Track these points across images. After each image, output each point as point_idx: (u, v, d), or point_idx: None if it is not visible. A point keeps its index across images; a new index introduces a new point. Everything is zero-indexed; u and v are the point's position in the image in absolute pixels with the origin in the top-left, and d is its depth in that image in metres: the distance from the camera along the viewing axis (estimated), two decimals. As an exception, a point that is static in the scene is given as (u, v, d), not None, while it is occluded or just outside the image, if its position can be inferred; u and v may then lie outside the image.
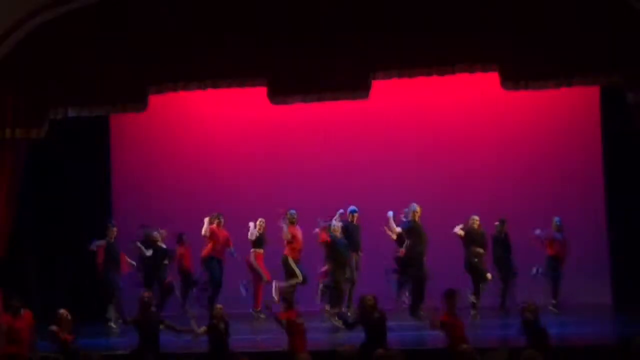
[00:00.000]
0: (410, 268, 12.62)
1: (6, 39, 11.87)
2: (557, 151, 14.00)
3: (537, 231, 13.03)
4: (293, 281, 12.79)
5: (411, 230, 12.57)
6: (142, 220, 14.03)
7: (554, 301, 12.96)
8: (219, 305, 10.56)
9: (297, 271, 12.85)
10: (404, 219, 12.80)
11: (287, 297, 10.59)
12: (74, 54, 11.96)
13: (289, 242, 12.95)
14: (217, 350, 10.00)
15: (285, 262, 12.93)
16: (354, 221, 13.10)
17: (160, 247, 13.52)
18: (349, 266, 12.68)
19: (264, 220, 13.33)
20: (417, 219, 12.53)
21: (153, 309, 10.62)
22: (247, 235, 13.34)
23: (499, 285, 13.04)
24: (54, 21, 11.98)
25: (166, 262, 13.51)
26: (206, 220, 13.36)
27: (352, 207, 13.13)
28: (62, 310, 10.41)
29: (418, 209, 12.55)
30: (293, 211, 13.08)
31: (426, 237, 12.54)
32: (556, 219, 13.14)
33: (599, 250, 13.61)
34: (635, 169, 12.96)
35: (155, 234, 13.56)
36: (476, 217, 12.90)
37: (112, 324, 13.05)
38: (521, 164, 14.05)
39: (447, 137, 14.27)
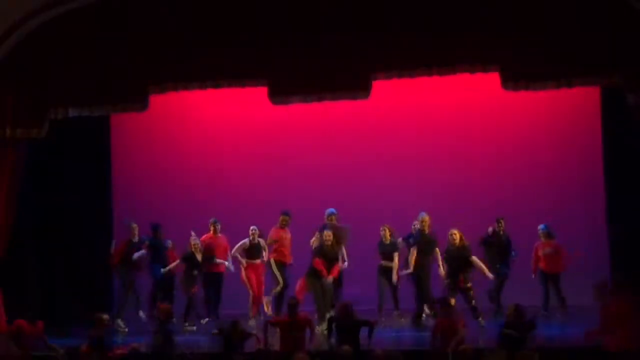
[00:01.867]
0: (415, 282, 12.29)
1: (6, 39, 11.90)
2: (558, 151, 13.99)
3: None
4: (277, 289, 12.66)
5: (416, 244, 12.18)
6: (143, 220, 14.02)
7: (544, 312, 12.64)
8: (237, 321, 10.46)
9: (279, 276, 12.67)
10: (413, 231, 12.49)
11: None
12: (74, 54, 11.98)
13: (272, 245, 12.78)
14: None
15: (269, 266, 12.85)
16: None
17: (195, 257, 12.93)
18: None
19: (256, 228, 12.99)
20: (425, 229, 12.12)
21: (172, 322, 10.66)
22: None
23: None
24: (54, 21, 12.00)
25: (195, 272, 12.91)
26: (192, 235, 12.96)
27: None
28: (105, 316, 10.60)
29: (426, 218, 12.14)
30: (287, 215, 12.85)
31: (432, 246, 12.25)
32: (542, 226, 12.82)
33: (599, 250, 13.60)
34: (635, 169, 12.94)
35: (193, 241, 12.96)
36: (455, 232, 12.04)
37: (120, 323, 12.86)
38: (521, 164, 14.04)
39: (447, 137, 14.26)
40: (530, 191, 13.95)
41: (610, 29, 10.86)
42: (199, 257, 12.85)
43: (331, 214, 12.61)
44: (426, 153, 14.24)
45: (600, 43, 10.90)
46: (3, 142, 12.10)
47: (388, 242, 12.61)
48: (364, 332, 10.10)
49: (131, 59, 11.87)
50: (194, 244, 12.84)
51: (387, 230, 12.60)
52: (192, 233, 12.97)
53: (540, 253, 12.80)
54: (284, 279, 12.69)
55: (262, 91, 11.98)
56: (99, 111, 12.35)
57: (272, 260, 12.78)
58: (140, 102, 12.03)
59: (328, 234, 12.14)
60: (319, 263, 12.05)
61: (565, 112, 13.94)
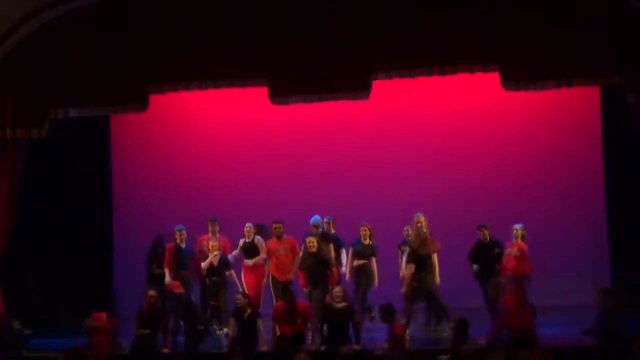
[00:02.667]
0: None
1: (6, 39, 11.90)
2: (558, 151, 13.99)
3: None
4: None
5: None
6: (142, 220, 14.03)
7: None
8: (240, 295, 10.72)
9: (273, 294, 11.85)
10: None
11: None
12: (74, 54, 11.98)
13: (269, 258, 12.01)
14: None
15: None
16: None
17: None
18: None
19: (251, 225, 12.29)
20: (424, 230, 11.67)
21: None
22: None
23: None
24: (54, 21, 12.00)
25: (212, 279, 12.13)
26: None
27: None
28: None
29: (421, 218, 11.77)
30: (279, 224, 12.01)
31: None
32: (519, 226, 12.01)
33: (599, 250, 13.60)
34: (636, 169, 12.94)
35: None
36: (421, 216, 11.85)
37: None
38: (521, 164, 14.03)
39: (447, 137, 14.25)
40: (530, 191, 13.94)
41: (610, 29, 10.87)
42: (214, 260, 12.02)
43: (316, 222, 11.99)
44: (426, 153, 14.22)
45: (600, 43, 10.90)
46: (3, 142, 12.10)
47: (367, 242, 12.09)
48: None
49: (131, 59, 11.87)
50: (212, 245, 12.12)
51: (368, 230, 12.09)
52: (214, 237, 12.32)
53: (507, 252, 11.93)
54: (277, 298, 11.70)
55: (262, 92, 11.98)
56: (98, 111, 12.36)
57: (270, 277, 12.02)
58: (140, 102, 12.02)
59: (311, 240, 11.61)
60: (300, 277, 11.77)
61: (565, 112, 13.93)
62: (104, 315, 10.91)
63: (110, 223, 14.74)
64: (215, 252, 12.02)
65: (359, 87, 11.60)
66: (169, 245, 12.28)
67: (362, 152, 14.35)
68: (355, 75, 11.47)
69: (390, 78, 11.72)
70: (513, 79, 11.32)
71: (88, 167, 14.45)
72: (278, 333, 10.67)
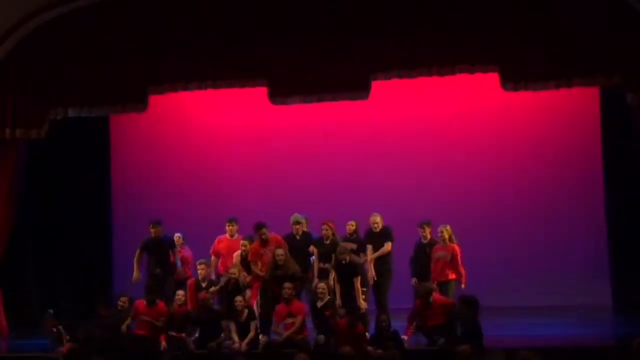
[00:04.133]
0: None
1: (6, 39, 11.90)
2: (557, 151, 13.97)
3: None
4: None
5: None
6: (142, 220, 13.99)
7: None
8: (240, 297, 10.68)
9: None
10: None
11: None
12: (74, 54, 11.98)
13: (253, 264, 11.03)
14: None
15: None
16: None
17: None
18: None
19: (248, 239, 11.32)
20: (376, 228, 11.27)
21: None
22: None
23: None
24: (54, 21, 12.00)
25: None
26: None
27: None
28: None
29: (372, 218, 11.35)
30: (264, 228, 11.04)
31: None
32: (446, 227, 11.15)
33: (599, 251, 13.59)
34: (635, 169, 12.94)
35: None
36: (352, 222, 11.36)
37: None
38: (521, 165, 14.02)
39: (447, 137, 14.23)
40: (530, 191, 13.94)
41: (610, 29, 10.87)
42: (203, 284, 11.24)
43: (297, 222, 11.29)
44: (426, 154, 14.21)
45: (600, 43, 10.90)
46: (3, 142, 12.11)
47: (329, 241, 11.02)
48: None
49: (131, 59, 11.87)
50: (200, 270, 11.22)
51: (329, 229, 11.01)
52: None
53: (435, 257, 11.08)
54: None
55: (262, 92, 11.98)
56: (98, 111, 12.35)
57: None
58: (139, 103, 12.03)
59: (280, 253, 10.80)
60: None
61: (565, 112, 13.92)
62: (141, 303, 10.92)
63: (109, 223, 14.73)
64: (225, 278, 11.09)
65: (358, 87, 11.60)
66: (190, 281, 11.40)
67: (361, 153, 14.34)
68: (355, 76, 11.47)
69: (390, 78, 11.71)
70: (512, 79, 11.31)
71: (88, 167, 14.45)
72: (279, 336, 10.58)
